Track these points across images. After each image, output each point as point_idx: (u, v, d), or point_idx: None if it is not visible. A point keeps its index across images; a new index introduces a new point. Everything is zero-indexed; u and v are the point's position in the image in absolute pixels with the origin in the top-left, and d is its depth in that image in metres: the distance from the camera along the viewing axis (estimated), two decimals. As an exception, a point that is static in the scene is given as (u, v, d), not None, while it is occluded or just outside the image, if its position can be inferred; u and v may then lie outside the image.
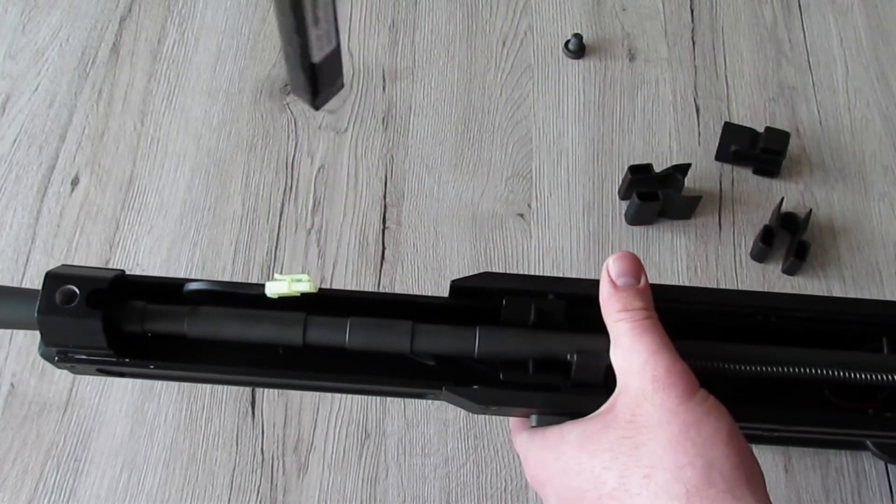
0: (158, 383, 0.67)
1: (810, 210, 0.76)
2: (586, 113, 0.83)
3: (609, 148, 0.81)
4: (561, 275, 0.73)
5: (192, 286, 0.44)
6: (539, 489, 0.44)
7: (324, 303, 0.44)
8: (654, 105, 0.83)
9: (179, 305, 0.44)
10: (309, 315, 0.43)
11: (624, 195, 0.78)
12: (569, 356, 0.43)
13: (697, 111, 0.83)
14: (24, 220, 0.75)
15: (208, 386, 0.67)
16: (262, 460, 0.65)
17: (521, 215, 0.77)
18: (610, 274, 0.42)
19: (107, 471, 0.64)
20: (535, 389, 0.43)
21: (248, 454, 0.65)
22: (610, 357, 0.42)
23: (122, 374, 0.46)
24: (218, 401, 0.67)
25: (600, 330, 0.42)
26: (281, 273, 0.42)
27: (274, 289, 0.43)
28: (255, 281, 0.72)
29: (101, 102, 0.82)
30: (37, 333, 0.67)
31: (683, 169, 0.76)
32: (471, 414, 0.66)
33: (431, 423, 0.66)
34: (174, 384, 0.67)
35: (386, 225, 0.76)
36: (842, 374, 0.43)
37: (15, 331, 0.69)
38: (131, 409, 0.66)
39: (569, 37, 0.86)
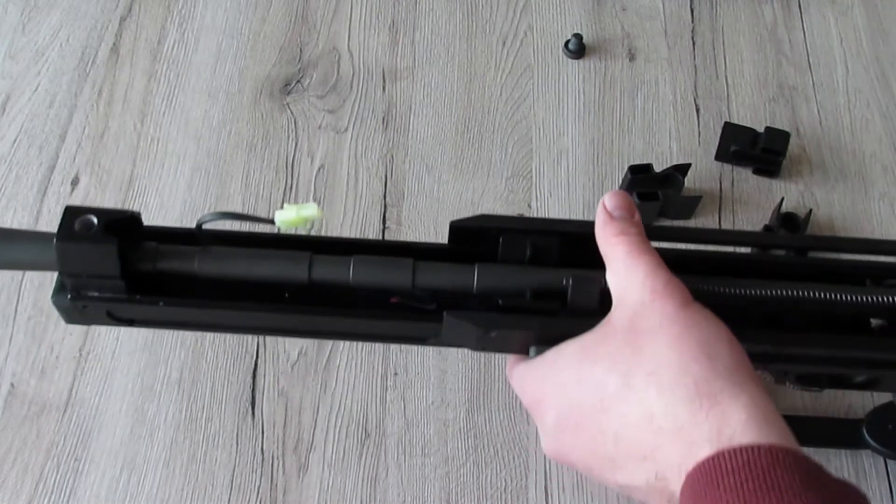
0: (158, 382, 0.67)
1: (810, 210, 0.76)
2: (586, 113, 0.83)
3: (609, 148, 0.81)
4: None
5: (205, 218, 0.45)
6: (536, 410, 0.45)
7: (328, 248, 0.46)
8: (654, 105, 0.83)
9: (191, 246, 0.45)
10: (314, 254, 0.45)
11: (624, 195, 0.78)
12: (564, 281, 0.45)
13: (697, 111, 0.83)
14: (24, 220, 0.75)
15: (208, 386, 0.67)
16: (262, 460, 0.65)
17: (522, 215, 0.77)
18: (606, 207, 0.44)
19: (107, 471, 0.64)
20: (533, 313, 0.45)
21: (248, 454, 0.65)
22: (606, 281, 0.43)
23: (131, 322, 0.47)
24: (218, 401, 0.67)
25: (595, 266, 0.44)
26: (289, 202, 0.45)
27: (282, 217, 0.44)
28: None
29: (101, 102, 0.82)
30: (37, 332, 0.67)
31: (683, 169, 0.76)
32: (471, 413, 0.66)
33: (431, 423, 0.66)
34: (174, 383, 0.67)
35: (386, 225, 0.76)
36: (830, 296, 0.45)
37: (15, 331, 0.69)
38: (131, 409, 0.66)
39: (569, 37, 0.86)
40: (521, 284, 0.45)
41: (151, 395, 0.67)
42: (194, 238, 0.46)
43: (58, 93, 0.82)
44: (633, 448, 0.39)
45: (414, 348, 0.69)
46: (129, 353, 0.68)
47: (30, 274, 0.72)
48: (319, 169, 0.78)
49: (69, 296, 0.45)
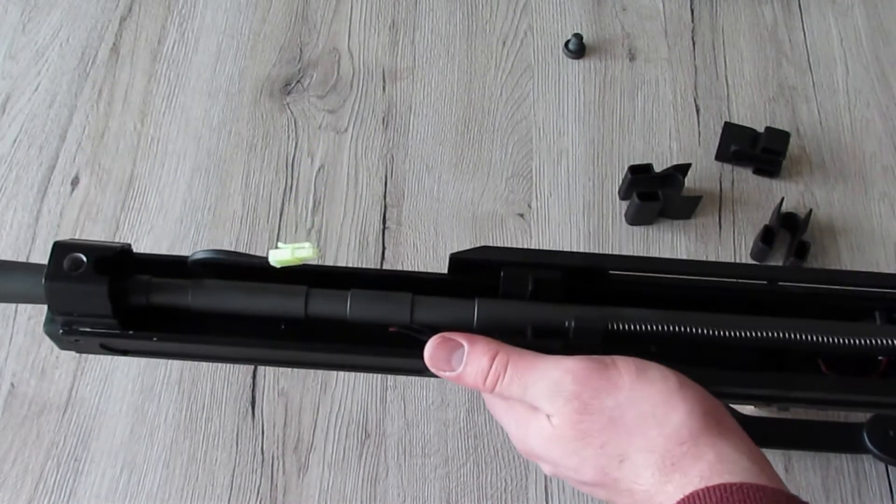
0: (158, 382, 0.67)
1: (810, 210, 0.76)
2: (586, 113, 0.83)
3: (609, 148, 0.81)
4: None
5: (197, 256, 0.44)
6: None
7: (325, 279, 0.45)
8: (654, 105, 0.83)
9: (184, 279, 0.44)
10: (311, 287, 0.44)
11: (624, 195, 0.78)
12: (566, 323, 0.43)
13: (697, 111, 0.83)
14: (24, 220, 0.75)
15: (208, 386, 0.67)
16: (262, 460, 0.65)
17: (521, 215, 0.77)
18: (443, 374, 0.43)
19: (107, 471, 0.64)
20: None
21: (248, 454, 0.65)
22: (609, 322, 0.43)
23: (125, 352, 0.46)
24: (218, 401, 0.67)
25: (597, 301, 0.43)
26: (284, 242, 0.43)
27: (277, 256, 0.43)
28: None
29: (101, 102, 0.82)
30: (37, 332, 0.67)
31: (683, 169, 0.76)
32: (471, 413, 0.66)
33: (431, 423, 0.66)
34: (174, 383, 0.67)
35: (386, 225, 0.76)
36: (834, 339, 0.44)
37: (15, 331, 0.69)
38: (131, 409, 0.66)
39: (569, 37, 0.86)
40: (522, 321, 0.44)
41: (151, 395, 0.67)
42: (188, 267, 0.44)
43: (58, 93, 0.82)
44: None
45: (414, 348, 0.69)
46: (129, 353, 0.68)
47: (30, 274, 0.72)
48: (319, 169, 0.78)
49: (60, 331, 0.44)
